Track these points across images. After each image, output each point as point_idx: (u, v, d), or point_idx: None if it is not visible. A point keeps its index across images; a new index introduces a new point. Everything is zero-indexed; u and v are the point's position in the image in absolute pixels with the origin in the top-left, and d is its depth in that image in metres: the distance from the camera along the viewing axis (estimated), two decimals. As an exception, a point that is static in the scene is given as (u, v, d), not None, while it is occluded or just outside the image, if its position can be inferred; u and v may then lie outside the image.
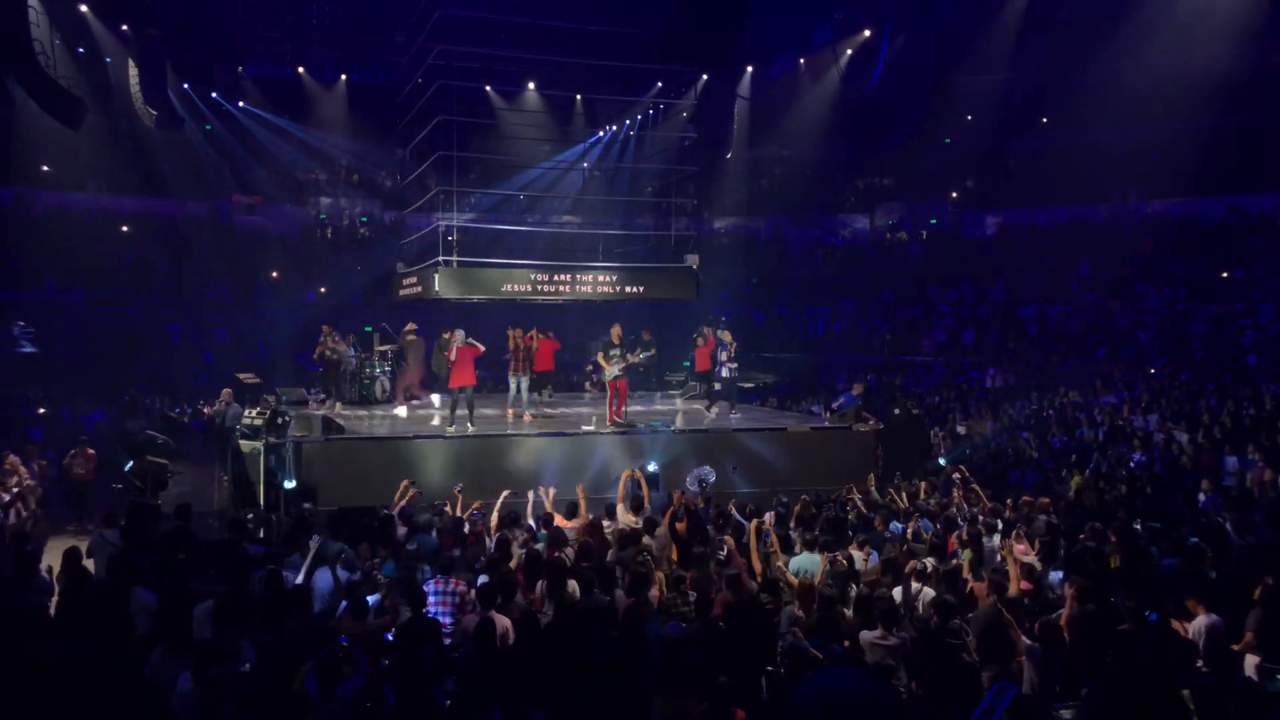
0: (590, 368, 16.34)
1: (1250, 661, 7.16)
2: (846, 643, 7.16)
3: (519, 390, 16.29)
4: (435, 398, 17.48)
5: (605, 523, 10.23)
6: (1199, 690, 5.86)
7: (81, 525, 13.64)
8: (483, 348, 14.98)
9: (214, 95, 29.00)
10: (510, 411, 16.31)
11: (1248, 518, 10.91)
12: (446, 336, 15.94)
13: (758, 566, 8.74)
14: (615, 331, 15.70)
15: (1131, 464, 15.85)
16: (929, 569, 8.51)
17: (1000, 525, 10.41)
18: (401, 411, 16.79)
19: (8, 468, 12.70)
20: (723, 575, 7.96)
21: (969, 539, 9.42)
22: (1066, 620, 7.33)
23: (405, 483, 11.05)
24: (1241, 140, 26.23)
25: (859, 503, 12.01)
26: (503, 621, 7.08)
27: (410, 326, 18.30)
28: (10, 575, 8.31)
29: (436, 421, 15.57)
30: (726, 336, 16.65)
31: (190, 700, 5.85)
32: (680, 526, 10.00)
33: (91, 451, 14.68)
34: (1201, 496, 13.26)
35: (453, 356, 14.65)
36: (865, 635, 7.12)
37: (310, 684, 5.99)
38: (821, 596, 7.51)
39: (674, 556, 9.54)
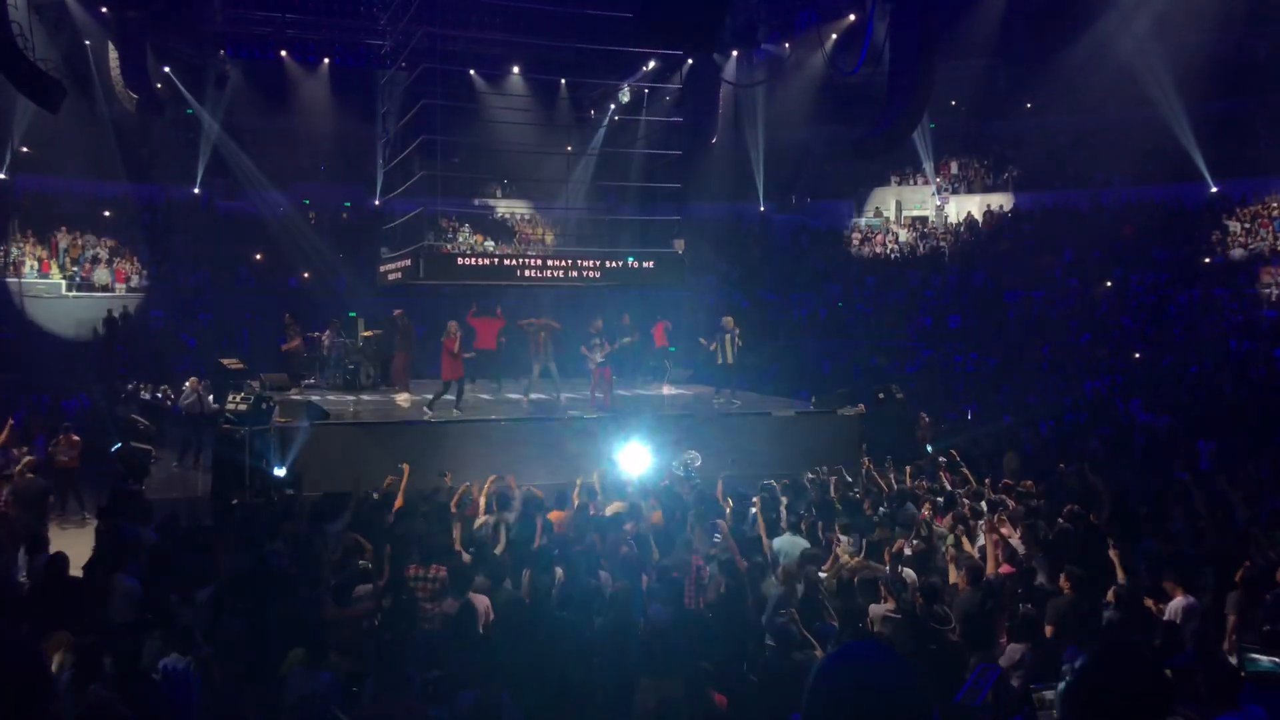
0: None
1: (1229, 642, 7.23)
2: (835, 622, 7.20)
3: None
4: (403, 397, 16.87)
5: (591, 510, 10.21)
6: (1177, 671, 5.93)
7: (65, 514, 13.48)
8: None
9: (195, 79, 28.69)
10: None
11: (1223, 500, 11.00)
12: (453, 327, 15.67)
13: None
14: (596, 325, 15.85)
15: (1112, 447, 15.97)
16: (913, 551, 8.56)
17: (984, 507, 10.45)
18: (403, 400, 16.49)
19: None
20: (715, 559, 8.00)
21: (956, 521, 9.41)
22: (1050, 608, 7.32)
23: (405, 468, 10.86)
24: (1223, 125, 26.35)
25: (845, 485, 12.02)
26: (481, 603, 7.13)
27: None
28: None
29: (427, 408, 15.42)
30: (729, 322, 16.58)
31: (174, 679, 5.85)
32: (657, 516, 9.94)
33: (76, 438, 14.16)
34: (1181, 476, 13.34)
35: (456, 348, 14.56)
36: (875, 609, 7.18)
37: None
38: (806, 578, 7.55)
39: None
